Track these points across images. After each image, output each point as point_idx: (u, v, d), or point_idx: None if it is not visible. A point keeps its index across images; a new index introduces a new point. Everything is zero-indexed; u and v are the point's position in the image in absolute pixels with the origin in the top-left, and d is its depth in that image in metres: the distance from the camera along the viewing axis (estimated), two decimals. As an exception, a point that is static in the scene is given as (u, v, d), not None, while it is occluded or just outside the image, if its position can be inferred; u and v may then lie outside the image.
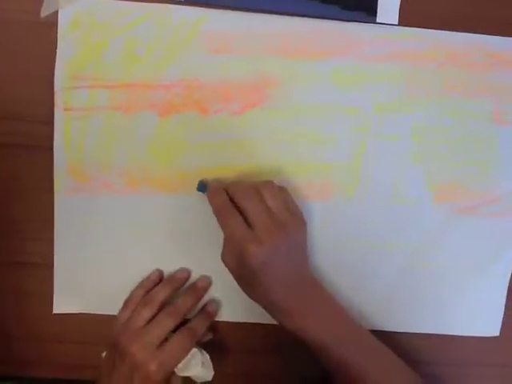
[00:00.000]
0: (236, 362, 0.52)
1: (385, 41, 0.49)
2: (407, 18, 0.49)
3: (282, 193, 0.46)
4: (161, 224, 0.50)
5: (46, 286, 0.50)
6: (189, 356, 0.45)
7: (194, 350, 0.45)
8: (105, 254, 0.50)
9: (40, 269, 0.50)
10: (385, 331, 0.52)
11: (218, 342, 0.51)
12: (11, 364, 0.52)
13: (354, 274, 0.51)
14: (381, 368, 0.46)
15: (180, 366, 0.44)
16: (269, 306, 0.45)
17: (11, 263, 0.50)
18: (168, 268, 0.51)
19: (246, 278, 0.44)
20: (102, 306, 0.50)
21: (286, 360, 0.52)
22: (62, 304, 0.51)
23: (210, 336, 0.49)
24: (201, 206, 0.48)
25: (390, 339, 0.48)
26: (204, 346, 0.48)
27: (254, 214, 0.43)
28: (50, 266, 0.50)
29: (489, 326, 0.53)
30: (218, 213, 0.45)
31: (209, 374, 0.46)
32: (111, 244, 0.50)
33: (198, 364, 0.45)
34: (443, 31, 0.49)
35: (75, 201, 0.49)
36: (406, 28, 0.49)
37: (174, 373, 0.45)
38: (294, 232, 0.44)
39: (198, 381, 0.46)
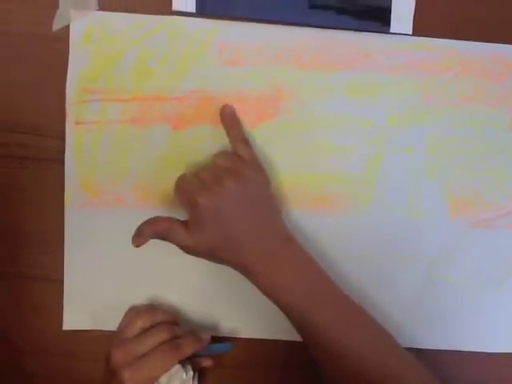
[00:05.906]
0: (251, 380, 0.51)
1: (399, 51, 0.49)
2: (422, 27, 0.48)
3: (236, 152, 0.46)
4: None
5: (55, 300, 0.49)
6: (172, 373, 0.43)
7: (177, 366, 0.44)
8: (116, 269, 0.49)
9: (49, 283, 0.49)
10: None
11: (236, 359, 0.50)
12: (19, 379, 0.50)
13: (368, 287, 0.50)
14: (364, 337, 0.43)
15: (162, 381, 0.43)
16: (237, 265, 0.43)
17: (20, 276, 0.50)
18: (180, 283, 0.50)
19: (210, 237, 0.42)
20: (113, 323, 0.49)
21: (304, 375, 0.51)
22: (72, 320, 0.50)
23: (209, 362, 0.47)
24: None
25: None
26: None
27: (202, 170, 0.44)
28: (59, 281, 0.49)
29: (508, 342, 0.52)
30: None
31: None
32: (122, 259, 0.49)
33: (176, 382, 0.43)
34: (458, 41, 0.49)
35: (86, 215, 0.49)
36: (421, 38, 0.49)
37: None
38: (246, 175, 0.43)
39: None
